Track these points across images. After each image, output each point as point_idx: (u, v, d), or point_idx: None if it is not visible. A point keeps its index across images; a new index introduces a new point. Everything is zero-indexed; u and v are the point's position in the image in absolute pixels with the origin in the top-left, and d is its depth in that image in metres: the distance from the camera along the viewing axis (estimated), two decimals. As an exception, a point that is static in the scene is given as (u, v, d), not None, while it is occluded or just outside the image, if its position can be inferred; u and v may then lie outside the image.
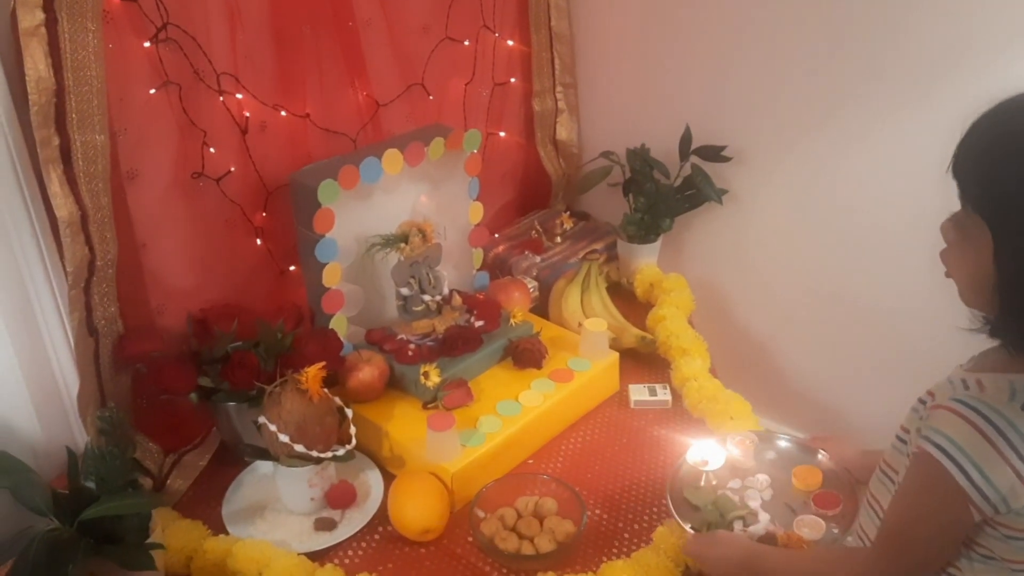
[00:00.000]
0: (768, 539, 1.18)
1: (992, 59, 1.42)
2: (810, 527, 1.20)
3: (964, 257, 0.89)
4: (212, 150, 1.41)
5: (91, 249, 1.25)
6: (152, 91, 1.31)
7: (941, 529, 0.91)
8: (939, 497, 0.88)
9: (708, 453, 1.33)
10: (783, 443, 1.37)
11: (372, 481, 1.39)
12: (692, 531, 1.20)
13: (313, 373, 1.27)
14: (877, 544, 1.00)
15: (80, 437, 1.35)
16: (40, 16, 1.13)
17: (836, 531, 1.19)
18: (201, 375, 1.37)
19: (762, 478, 1.30)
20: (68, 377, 1.36)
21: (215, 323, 1.43)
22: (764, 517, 1.23)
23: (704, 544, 1.16)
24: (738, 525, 1.21)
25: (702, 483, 1.29)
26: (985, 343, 0.92)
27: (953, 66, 1.47)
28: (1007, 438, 0.84)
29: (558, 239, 1.98)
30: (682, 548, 1.19)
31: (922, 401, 0.97)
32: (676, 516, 1.22)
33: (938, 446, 0.87)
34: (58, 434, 1.36)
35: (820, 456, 1.33)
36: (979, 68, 1.41)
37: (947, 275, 0.93)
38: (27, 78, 1.13)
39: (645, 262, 1.92)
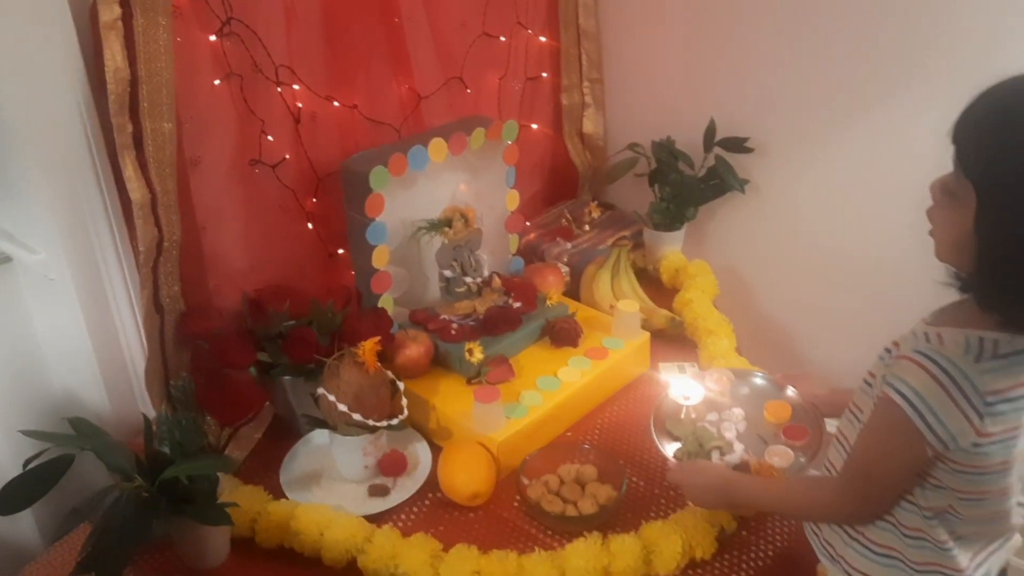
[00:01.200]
0: (742, 467, 1.29)
1: (1002, 53, 1.50)
2: (780, 456, 1.31)
3: (949, 217, 0.95)
4: (270, 138, 1.48)
5: (159, 230, 1.33)
6: (216, 82, 1.39)
7: (900, 464, 1.01)
8: (899, 437, 0.97)
9: (688, 389, 1.42)
10: (756, 380, 1.47)
11: (421, 452, 1.46)
12: (674, 460, 1.29)
13: (369, 346, 1.35)
14: (844, 475, 1.10)
15: (145, 409, 1.43)
16: (117, 11, 1.21)
17: (803, 460, 1.30)
18: (259, 351, 1.45)
19: (737, 412, 1.41)
20: (134, 352, 1.45)
21: (268, 303, 1.51)
22: (739, 447, 1.34)
23: (685, 472, 1.25)
24: (715, 455, 1.31)
25: (682, 416, 1.39)
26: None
27: (966, 61, 1.54)
28: (959, 386, 0.93)
29: (587, 227, 2.06)
30: (665, 476, 1.28)
31: (888, 350, 1.05)
32: (659, 446, 1.32)
33: (900, 392, 0.96)
34: (125, 406, 1.44)
35: (790, 392, 1.43)
36: (992, 63, 1.49)
37: (930, 232, 1.00)
38: (106, 68, 1.21)
39: (670, 249, 2.00)
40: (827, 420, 1.36)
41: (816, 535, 1.18)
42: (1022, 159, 0.87)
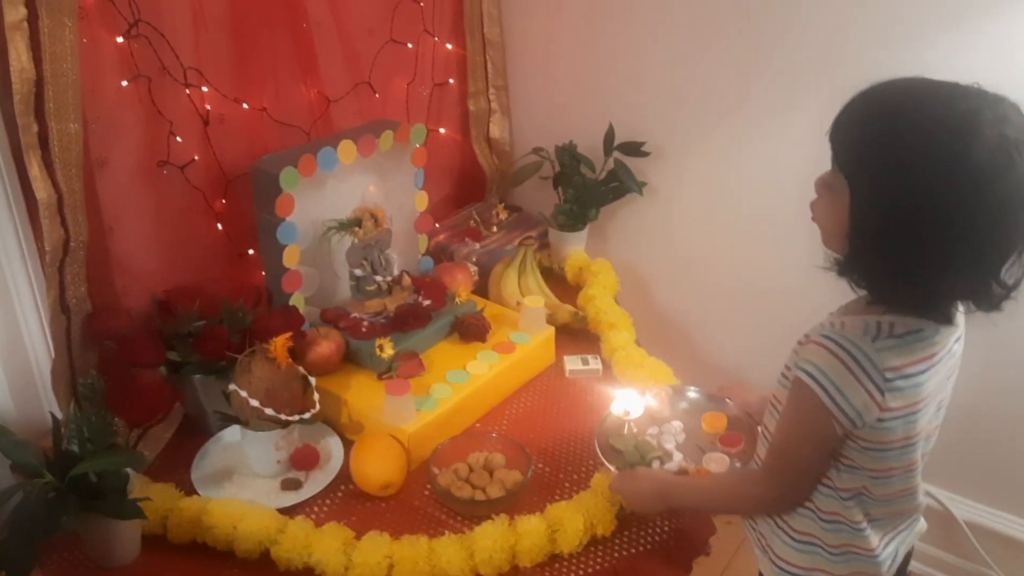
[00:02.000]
0: (681, 474, 1.35)
1: (865, 61, 1.64)
2: (716, 462, 1.38)
3: (828, 208, 1.04)
4: (178, 139, 1.50)
5: (66, 230, 1.33)
6: (124, 83, 1.40)
7: (814, 445, 1.08)
8: (810, 417, 1.05)
9: (630, 404, 1.49)
10: (694, 394, 1.55)
11: (333, 446, 1.49)
12: (616, 471, 1.36)
13: (281, 342, 1.38)
14: (766, 462, 1.18)
15: (51, 410, 1.41)
16: (23, 12, 1.21)
17: (738, 465, 1.38)
18: (169, 350, 1.46)
19: (676, 424, 1.47)
20: (39, 353, 1.44)
21: (178, 303, 1.52)
22: (678, 456, 1.40)
23: (625, 480, 1.32)
24: (656, 464, 1.38)
25: (625, 431, 1.46)
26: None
27: (844, 69, 1.68)
28: (860, 364, 1.01)
29: (494, 228, 2.13)
30: (608, 486, 1.34)
31: (800, 342, 1.13)
32: (603, 459, 1.38)
33: (807, 372, 1.04)
34: (30, 407, 1.43)
35: (726, 403, 1.51)
36: (867, 71, 1.62)
37: (813, 219, 1.09)
38: (11, 69, 1.21)
39: (574, 249, 2.08)
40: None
41: (752, 528, 1.25)
42: (884, 153, 0.96)
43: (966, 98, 0.95)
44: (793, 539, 1.17)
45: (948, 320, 1.05)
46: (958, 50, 1.57)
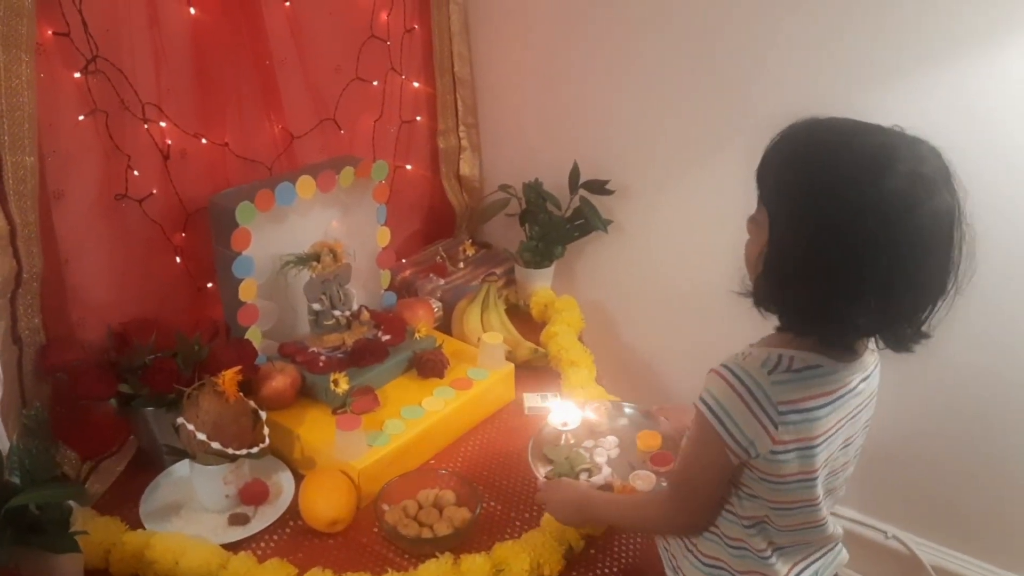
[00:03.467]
0: (606, 488, 1.38)
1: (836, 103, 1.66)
2: (643, 480, 1.40)
3: (753, 242, 1.07)
4: (136, 173, 1.51)
5: (18, 262, 1.33)
6: (81, 117, 1.41)
7: (711, 472, 1.09)
8: (706, 444, 1.07)
9: (568, 416, 1.51)
10: (632, 411, 1.58)
11: (284, 481, 1.48)
12: (543, 479, 1.38)
13: (229, 376, 1.38)
14: (669, 486, 1.21)
15: (0, 442, 1.41)
16: (-22, 46, 1.23)
17: (664, 484, 1.39)
18: (121, 383, 1.45)
19: (612, 439, 1.50)
20: (-10, 384, 1.43)
21: (134, 336, 1.52)
22: (606, 471, 1.43)
23: (550, 489, 1.35)
24: (584, 476, 1.40)
25: (561, 441, 1.48)
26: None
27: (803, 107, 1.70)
28: (754, 395, 1.02)
29: (461, 264, 2.14)
30: (535, 495, 1.36)
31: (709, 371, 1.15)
32: (532, 467, 1.40)
33: (704, 401, 1.06)
34: (-23, 438, 1.42)
35: (662, 423, 1.53)
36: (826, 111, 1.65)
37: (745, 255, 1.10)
38: (-35, 102, 1.23)
39: (540, 285, 2.10)
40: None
41: (666, 549, 1.26)
42: (800, 186, 0.98)
43: (883, 135, 0.97)
44: (702, 562, 1.18)
45: (852, 356, 1.06)
46: (918, 94, 1.60)
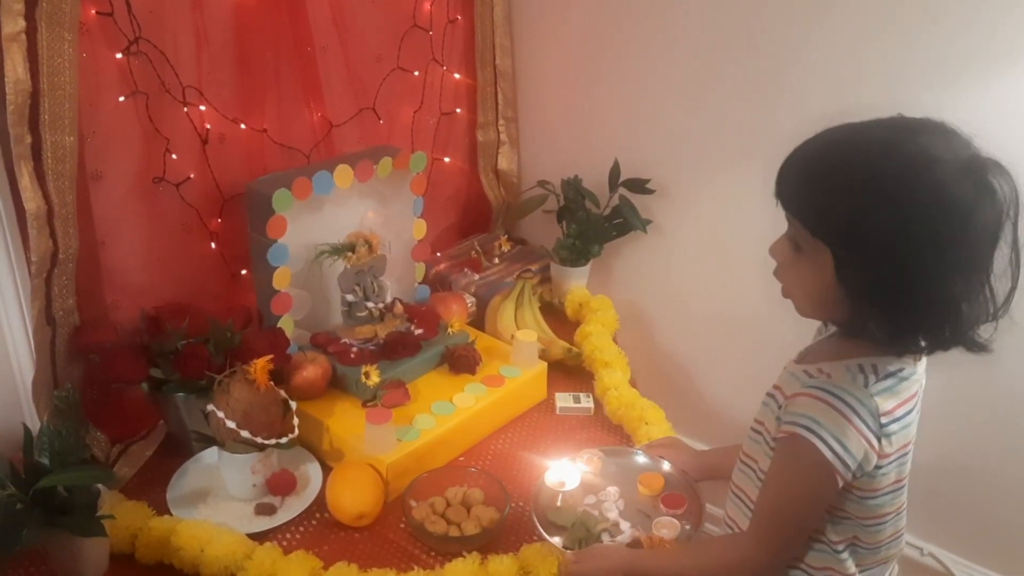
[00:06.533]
0: (635, 545, 1.25)
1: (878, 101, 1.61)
2: (667, 527, 1.29)
3: (802, 275, 1.02)
4: (174, 157, 1.50)
5: (55, 242, 1.33)
6: (121, 99, 1.40)
7: (812, 501, 1.04)
8: (808, 470, 1.01)
9: (564, 474, 1.41)
10: (624, 456, 1.46)
11: (312, 472, 1.47)
12: (566, 550, 1.25)
13: (261, 364, 1.37)
14: (757, 525, 1.11)
15: (31, 422, 1.41)
16: (22, 24, 1.21)
17: (688, 527, 1.30)
18: (152, 367, 1.45)
19: (612, 490, 1.38)
20: (23, 364, 1.44)
21: (167, 320, 1.51)
22: (625, 525, 1.31)
23: (585, 559, 1.21)
24: (606, 537, 1.29)
25: (559, 503, 1.36)
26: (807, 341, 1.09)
27: (848, 106, 1.65)
28: (857, 412, 0.98)
29: (496, 260, 2.11)
30: (562, 570, 1.23)
31: (770, 395, 1.10)
32: (546, 537, 1.27)
33: (804, 426, 1.00)
34: (10, 417, 1.42)
35: (659, 462, 1.43)
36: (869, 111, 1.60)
37: (785, 292, 1.06)
38: (6, 79, 1.22)
39: (576, 284, 2.06)
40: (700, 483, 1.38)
41: None
42: (865, 219, 0.93)
43: (909, 132, 0.95)
44: None
45: (919, 355, 1.04)
46: (969, 98, 1.54)
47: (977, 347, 0.99)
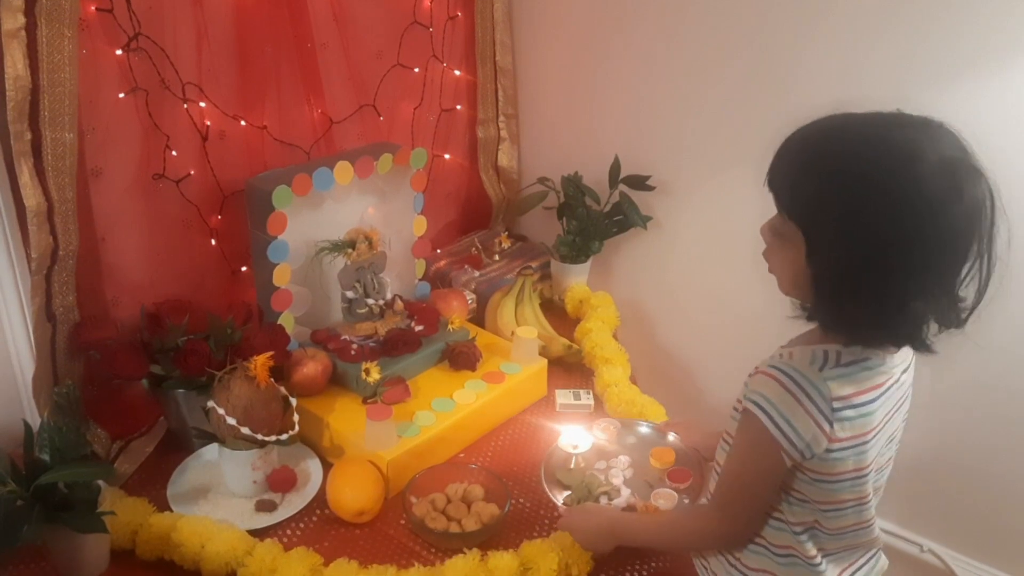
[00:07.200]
0: (629, 509, 1.33)
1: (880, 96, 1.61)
2: (665, 498, 1.36)
3: (783, 256, 1.03)
4: (174, 153, 1.50)
5: (55, 239, 1.33)
6: (121, 95, 1.40)
7: (761, 476, 1.06)
8: (758, 448, 1.03)
9: (577, 438, 1.46)
10: (642, 429, 1.53)
11: (312, 469, 1.47)
12: (564, 506, 1.34)
13: (261, 361, 1.37)
14: (715, 496, 1.15)
15: (32, 418, 1.41)
16: (21, 20, 1.22)
17: (687, 501, 1.35)
18: (153, 363, 1.45)
19: (624, 459, 1.45)
20: (24, 360, 1.44)
21: (167, 317, 1.51)
22: (626, 492, 1.38)
23: (574, 516, 1.29)
24: (604, 500, 1.36)
25: (572, 465, 1.43)
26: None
27: (848, 105, 1.65)
28: (807, 394, 0.99)
29: (496, 257, 2.11)
30: (557, 523, 1.31)
31: (750, 375, 1.11)
32: (549, 494, 1.35)
33: (755, 403, 1.03)
34: (11, 413, 1.42)
35: (673, 438, 1.49)
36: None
37: (770, 271, 1.08)
38: (6, 76, 1.22)
39: (576, 281, 2.06)
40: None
41: (705, 568, 1.23)
42: (834, 198, 0.95)
43: (899, 126, 0.95)
44: None
45: (895, 347, 1.04)
46: (972, 96, 1.54)
47: (923, 347, 1.00)
